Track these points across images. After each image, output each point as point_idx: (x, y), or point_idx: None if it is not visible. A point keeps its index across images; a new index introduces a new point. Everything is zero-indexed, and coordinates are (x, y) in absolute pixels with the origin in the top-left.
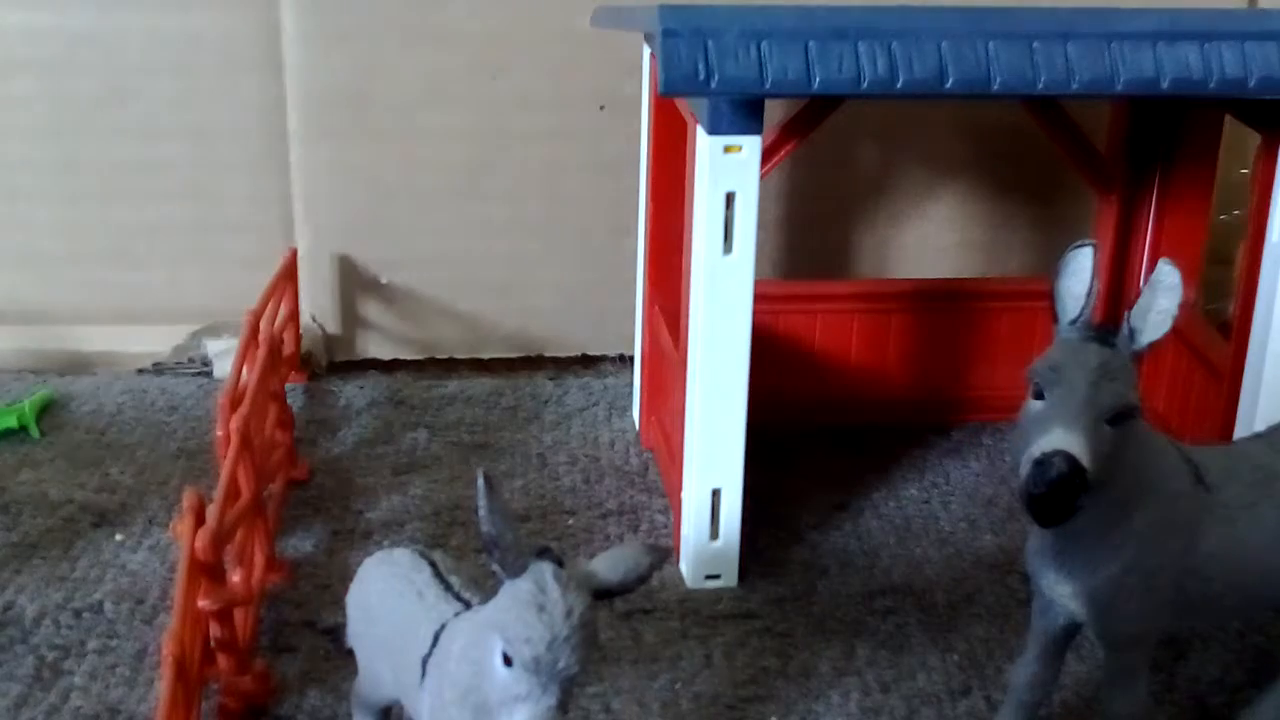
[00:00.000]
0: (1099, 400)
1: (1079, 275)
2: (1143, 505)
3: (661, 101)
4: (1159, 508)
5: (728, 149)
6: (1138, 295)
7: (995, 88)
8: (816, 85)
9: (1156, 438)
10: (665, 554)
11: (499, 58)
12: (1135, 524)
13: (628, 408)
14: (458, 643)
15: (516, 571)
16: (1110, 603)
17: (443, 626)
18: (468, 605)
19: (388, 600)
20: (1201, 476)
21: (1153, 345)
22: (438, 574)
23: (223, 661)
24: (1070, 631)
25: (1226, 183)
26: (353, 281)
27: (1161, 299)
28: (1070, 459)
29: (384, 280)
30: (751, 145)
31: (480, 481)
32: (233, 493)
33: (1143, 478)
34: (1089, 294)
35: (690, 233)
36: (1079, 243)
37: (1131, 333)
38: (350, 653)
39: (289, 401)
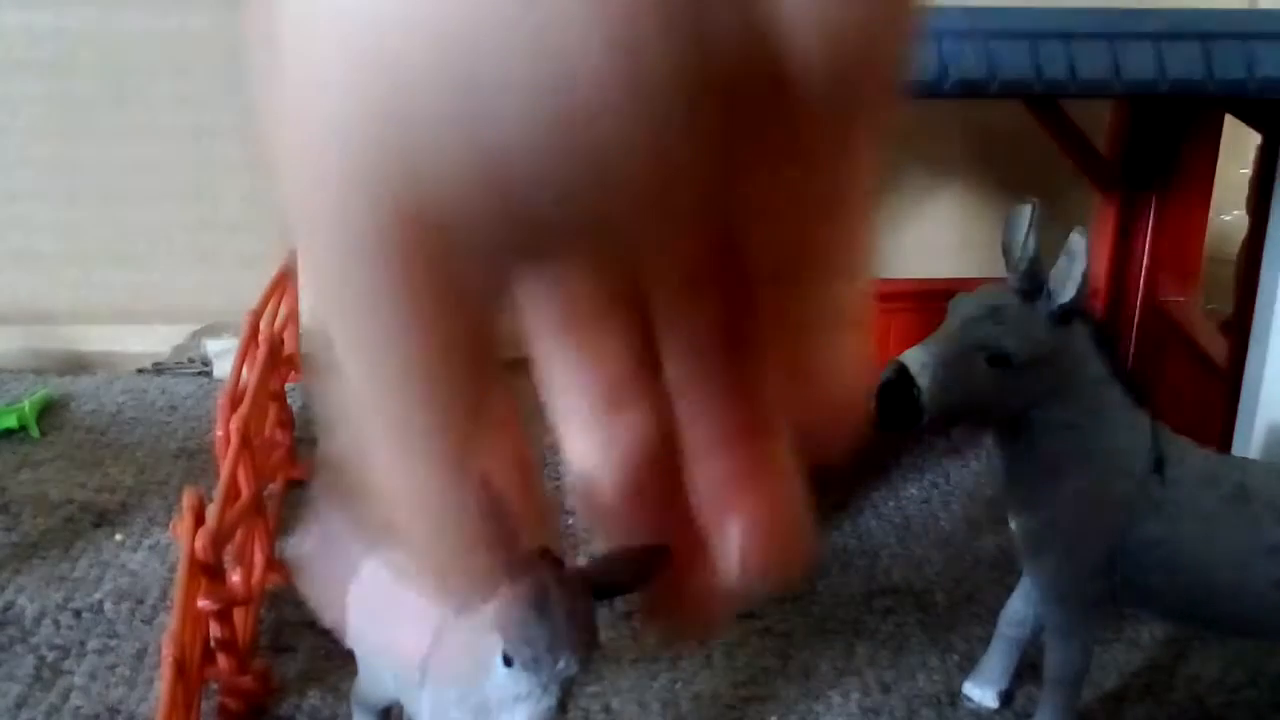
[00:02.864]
0: (966, 334)
1: (1017, 230)
2: (1080, 469)
3: None
4: (1096, 476)
5: None
6: (1137, 291)
7: (995, 88)
8: None
9: (1128, 414)
10: (666, 554)
11: None
12: (1069, 483)
13: None
14: (458, 642)
15: (517, 571)
16: (1034, 547)
17: (443, 626)
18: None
19: (388, 601)
20: (1161, 467)
21: (1070, 309)
22: None
23: (223, 661)
24: None
25: (1226, 183)
26: None
27: (1074, 266)
28: (900, 368)
29: None
30: None
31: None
32: (233, 493)
33: (1087, 443)
34: (1023, 248)
35: None
36: (1022, 200)
37: (1050, 294)
38: (350, 653)
39: (289, 401)
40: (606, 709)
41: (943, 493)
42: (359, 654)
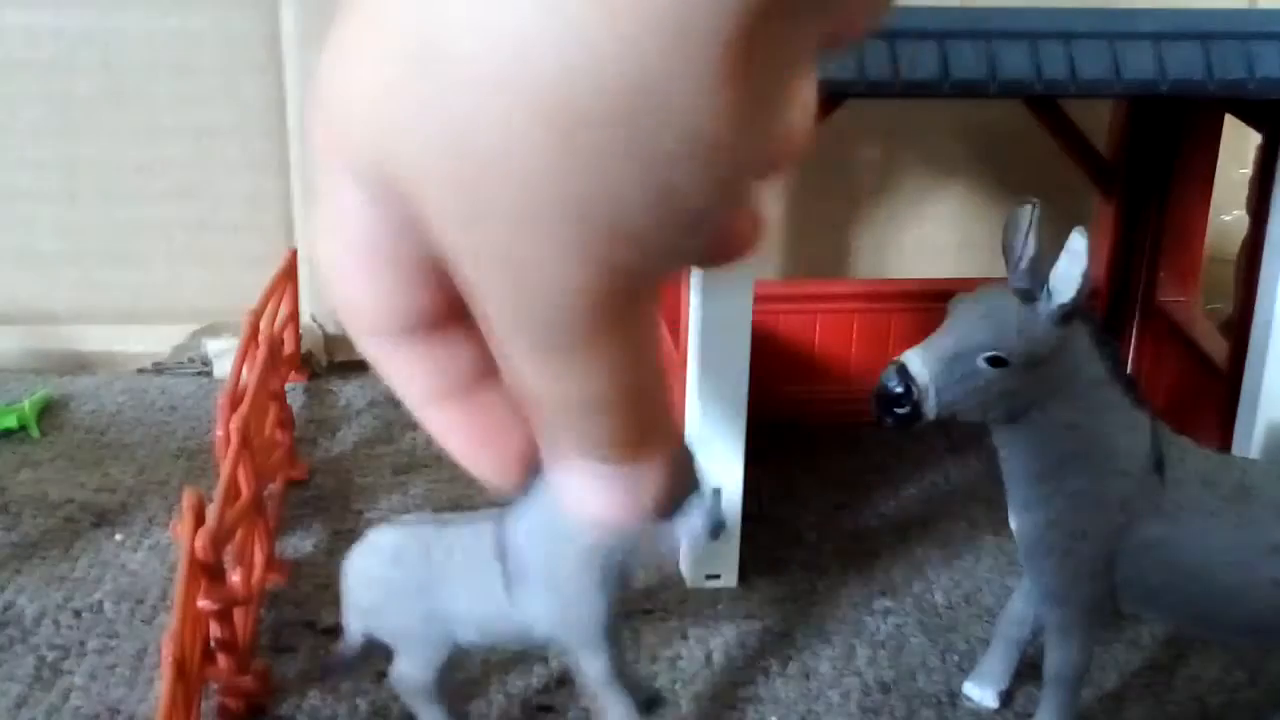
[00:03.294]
0: (966, 334)
1: (1017, 230)
2: (1079, 469)
3: None
4: (1095, 476)
5: None
6: (1137, 291)
7: (995, 88)
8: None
9: (1128, 414)
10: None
11: None
12: (1067, 483)
13: None
14: (536, 522)
15: None
16: (1033, 549)
17: (501, 536)
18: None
19: (414, 571)
20: (1160, 466)
21: (1070, 309)
22: (441, 522)
23: (223, 661)
24: None
25: (1226, 183)
26: None
27: (1074, 266)
28: (900, 368)
29: None
30: None
31: None
32: (233, 493)
33: (1087, 443)
34: (1023, 248)
35: None
36: (1022, 201)
37: (1050, 294)
38: (352, 660)
39: (289, 401)
40: None
41: (943, 493)
42: (396, 638)
